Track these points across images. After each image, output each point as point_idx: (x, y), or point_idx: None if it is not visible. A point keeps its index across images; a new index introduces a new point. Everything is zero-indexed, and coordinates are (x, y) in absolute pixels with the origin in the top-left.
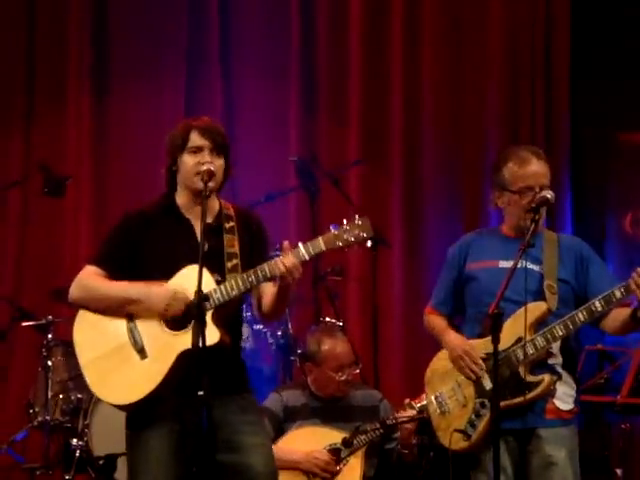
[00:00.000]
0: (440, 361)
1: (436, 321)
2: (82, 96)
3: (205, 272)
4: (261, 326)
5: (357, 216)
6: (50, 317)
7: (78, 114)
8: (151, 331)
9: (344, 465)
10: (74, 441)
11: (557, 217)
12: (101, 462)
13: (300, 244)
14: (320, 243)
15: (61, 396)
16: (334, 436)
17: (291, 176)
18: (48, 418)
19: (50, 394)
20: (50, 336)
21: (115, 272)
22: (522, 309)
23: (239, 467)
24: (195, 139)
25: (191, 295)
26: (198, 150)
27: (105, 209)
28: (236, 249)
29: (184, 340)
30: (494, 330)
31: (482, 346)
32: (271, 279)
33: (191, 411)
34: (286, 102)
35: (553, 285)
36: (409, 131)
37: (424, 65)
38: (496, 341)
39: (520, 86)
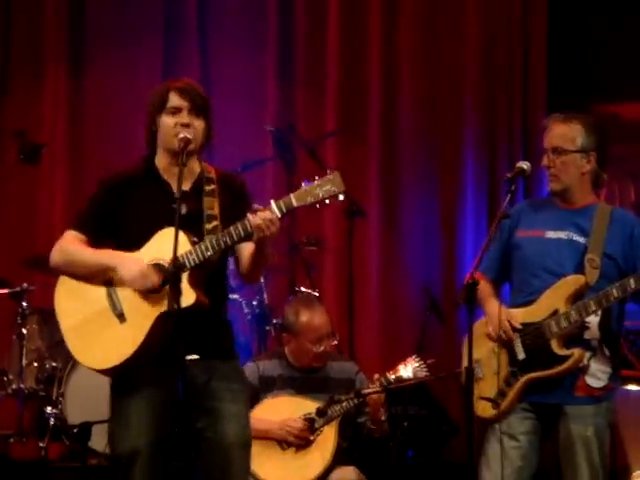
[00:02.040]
0: (481, 326)
1: (481, 286)
2: (59, 64)
3: (181, 233)
4: (236, 296)
5: (328, 171)
6: (25, 285)
7: (55, 82)
8: (130, 295)
9: (318, 435)
10: (48, 409)
11: (535, 190)
12: (75, 430)
13: (272, 201)
14: (291, 199)
15: (35, 364)
16: (309, 406)
17: (268, 146)
18: (22, 386)
19: (25, 362)
20: (25, 304)
21: (95, 237)
22: (560, 281)
23: (214, 434)
24: (174, 99)
25: (165, 260)
26: (177, 110)
27: (80, 177)
28: (216, 211)
29: (160, 303)
30: (469, 301)
31: (521, 315)
32: (247, 237)
33: (171, 376)
34: (263, 72)
35: (595, 259)
36: (386, 101)
37: (402, 34)
38: (471, 313)
39: (497, 63)
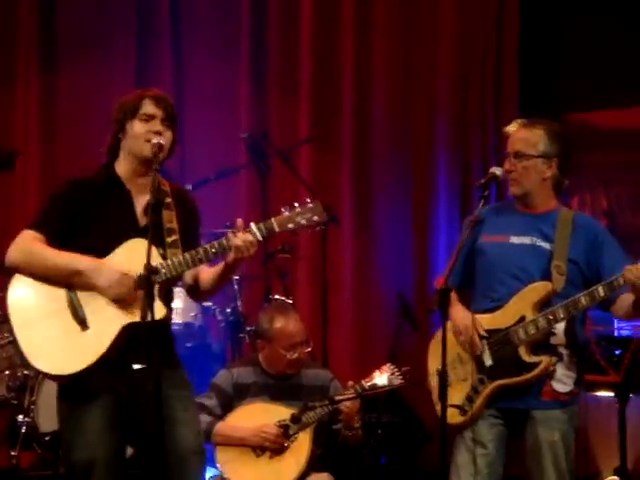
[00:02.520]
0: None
1: None
2: (30, 70)
3: (152, 248)
4: (210, 303)
5: (308, 200)
6: None
7: (26, 89)
8: (94, 302)
9: (292, 441)
10: (20, 417)
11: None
12: (47, 438)
13: (252, 224)
14: (273, 224)
15: (7, 372)
16: (283, 412)
17: (242, 153)
18: None
19: None
20: None
21: (54, 239)
22: (527, 288)
23: (167, 441)
24: (148, 107)
25: (136, 270)
26: (150, 118)
27: (53, 184)
28: (174, 225)
29: (128, 313)
30: (442, 306)
31: (487, 321)
32: (220, 256)
33: (126, 384)
34: (236, 78)
35: (561, 265)
36: (360, 109)
37: (375, 43)
38: (445, 317)
39: (470, 66)
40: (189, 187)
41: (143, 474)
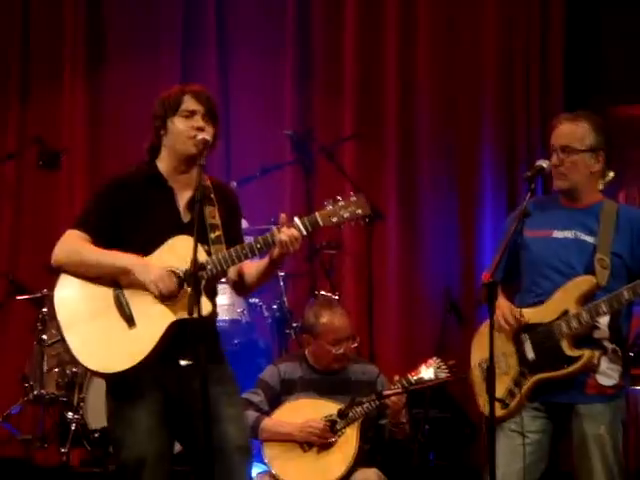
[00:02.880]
0: (489, 326)
1: None
2: (77, 69)
3: (198, 245)
4: (257, 299)
5: (352, 193)
6: (45, 291)
7: (73, 87)
8: (140, 300)
9: (339, 437)
10: (69, 414)
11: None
12: (96, 435)
13: (296, 218)
14: (317, 218)
15: (56, 370)
16: (330, 408)
17: (286, 150)
18: (43, 392)
19: (45, 368)
20: (45, 310)
21: (99, 238)
22: (570, 282)
23: (216, 438)
24: (189, 103)
25: (181, 267)
26: (191, 114)
27: (99, 182)
28: (217, 220)
29: (175, 309)
30: (490, 300)
31: (531, 315)
32: (265, 251)
33: (174, 380)
34: (281, 76)
35: (605, 259)
36: (404, 105)
37: (419, 40)
38: (492, 311)
39: (514, 60)
40: (234, 184)
41: (191, 471)
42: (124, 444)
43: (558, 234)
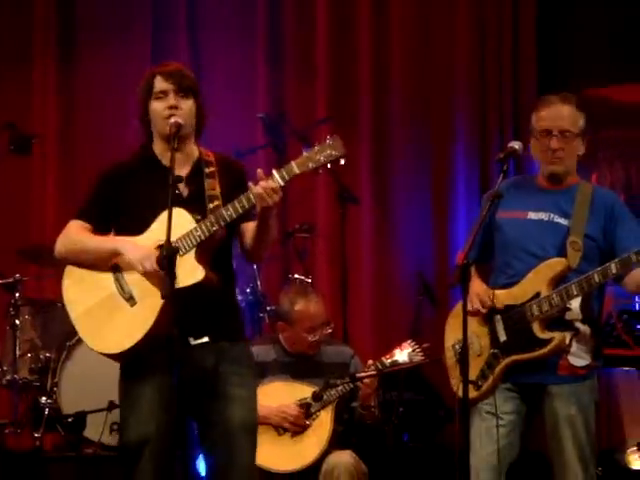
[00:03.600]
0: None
1: None
2: (47, 53)
3: (184, 213)
4: None
5: (328, 136)
6: (18, 276)
7: (44, 73)
8: (137, 279)
9: (314, 420)
10: (43, 399)
11: (526, 170)
12: (70, 420)
13: (274, 170)
14: (293, 167)
15: (29, 355)
16: (304, 391)
17: (259, 133)
18: (16, 377)
19: (18, 353)
20: (17, 295)
21: (99, 225)
22: (542, 264)
23: (220, 418)
24: (159, 84)
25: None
26: (164, 94)
27: (72, 167)
28: (217, 192)
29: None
30: (462, 281)
31: (503, 297)
32: (250, 209)
33: (185, 360)
34: (253, 58)
35: (577, 241)
36: (377, 88)
37: (392, 19)
38: (465, 293)
39: (487, 41)
40: None
41: (185, 453)
42: (127, 425)
43: (532, 215)
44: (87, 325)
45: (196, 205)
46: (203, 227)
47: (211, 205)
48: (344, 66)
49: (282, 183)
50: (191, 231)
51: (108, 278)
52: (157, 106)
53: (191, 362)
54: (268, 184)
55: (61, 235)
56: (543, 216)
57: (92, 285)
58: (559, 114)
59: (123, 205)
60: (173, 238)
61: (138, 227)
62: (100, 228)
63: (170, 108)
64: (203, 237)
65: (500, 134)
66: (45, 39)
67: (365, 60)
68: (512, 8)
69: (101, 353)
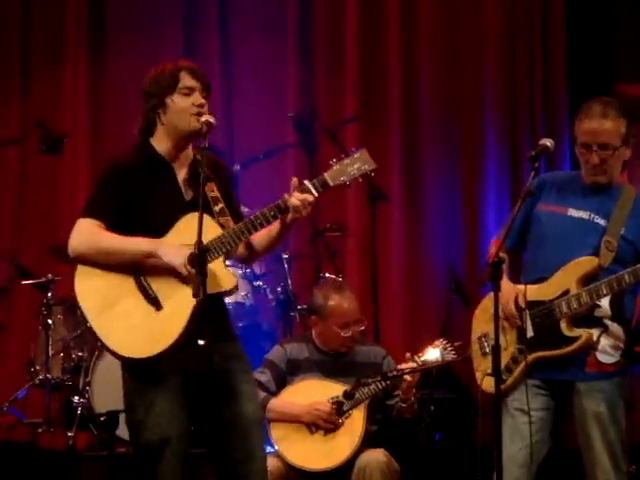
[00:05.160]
0: (490, 300)
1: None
2: (79, 54)
3: (209, 218)
4: (260, 282)
5: (354, 149)
6: (50, 275)
7: (75, 73)
8: (164, 282)
9: (346, 418)
10: (75, 399)
11: (556, 167)
12: (102, 419)
13: (306, 182)
14: (326, 179)
15: (62, 354)
16: (336, 389)
17: (289, 132)
18: (49, 376)
19: (51, 352)
20: (50, 294)
21: (111, 223)
22: (573, 262)
23: (233, 414)
24: (186, 80)
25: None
26: (190, 91)
27: (102, 166)
28: (217, 193)
29: None
30: (494, 278)
31: (533, 292)
32: (278, 218)
33: (193, 360)
34: (283, 58)
35: (612, 242)
36: (407, 86)
37: (421, 17)
38: (497, 290)
39: (517, 37)
40: (237, 167)
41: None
42: (146, 426)
43: (573, 213)
44: (109, 327)
45: (202, 208)
46: (233, 235)
47: (216, 208)
48: (374, 65)
49: (316, 195)
50: (220, 237)
51: (128, 279)
52: (183, 102)
53: (199, 362)
54: (306, 197)
55: (76, 233)
56: (584, 215)
57: (110, 285)
58: (599, 129)
59: (134, 205)
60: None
61: (150, 228)
62: (113, 227)
63: (199, 106)
64: (234, 244)
65: (531, 132)
66: (76, 39)
67: (394, 60)
68: (542, 4)
69: (128, 359)
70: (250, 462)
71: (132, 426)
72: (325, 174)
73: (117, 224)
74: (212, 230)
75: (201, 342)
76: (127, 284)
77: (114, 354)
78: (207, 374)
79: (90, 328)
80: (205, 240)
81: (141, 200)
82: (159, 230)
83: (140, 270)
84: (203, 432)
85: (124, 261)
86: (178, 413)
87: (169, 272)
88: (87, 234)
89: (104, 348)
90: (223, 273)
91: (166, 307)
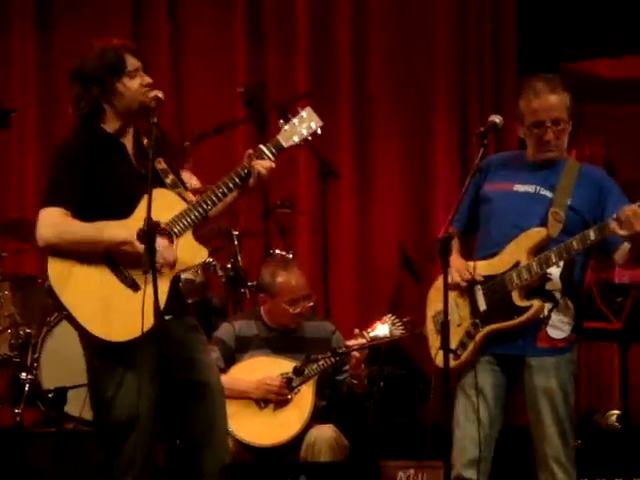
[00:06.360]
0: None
1: None
2: (26, 28)
3: (169, 193)
4: (210, 259)
5: (299, 109)
6: None
7: (22, 46)
8: (136, 263)
9: (295, 394)
10: (23, 375)
11: (506, 144)
12: (50, 395)
13: (262, 146)
14: (280, 141)
15: (9, 331)
16: (286, 365)
17: (239, 108)
18: None
19: None
20: None
21: (78, 209)
22: (522, 234)
23: (197, 385)
24: (132, 61)
25: (166, 220)
26: (136, 72)
27: (51, 142)
28: (164, 164)
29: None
30: (444, 253)
31: (484, 268)
32: (239, 185)
33: (163, 337)
34: (233, 33)
35: (559, 212)
36: (357, 61)
37: None
38: (445, 265)
39: (468, 14)
40: (188, 144)
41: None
42: (115, 404)
43: (519, 188)
44: (98, 320)
45: (156, 181)
46: (199, 208)
47: (168, 180)
48: (324, 41)
49: (272, 158)
50: (185, 211)
51: (101, 266)
52: (133, 83)
53: (167, 337)
54: (268, 163)
55: (44, 225)
56: (529, 189)
57: (85, 273)
58: (549, 104)
59: (95, 186)
60: (166, 219)
61: (116, 209)
62: (79, 214)
63: (147, 85)
64: (200, 217)
65: (480, 107)
66: (23, 14)
67: (345, 35)
68: None
69: (117, 342)
70: (213, 433)
71: (100, 404)
72: (277, 136)
73: (81, 209)
74: (176, 205)
75: (167, 317)
76: (101, 270)
77: (98, 340)
78: (172, 346)
79: (68, 316)
80: (169, 216)
81: (100, 182)
82: (123, 210)
83: (111, 255)
84: (163, 406)
85: (96, 249)
86: (147, 390)
87: (139, 255)
88: (56, 224)
89: (86, 335)
90: (194, 246)
91: (143, 286)
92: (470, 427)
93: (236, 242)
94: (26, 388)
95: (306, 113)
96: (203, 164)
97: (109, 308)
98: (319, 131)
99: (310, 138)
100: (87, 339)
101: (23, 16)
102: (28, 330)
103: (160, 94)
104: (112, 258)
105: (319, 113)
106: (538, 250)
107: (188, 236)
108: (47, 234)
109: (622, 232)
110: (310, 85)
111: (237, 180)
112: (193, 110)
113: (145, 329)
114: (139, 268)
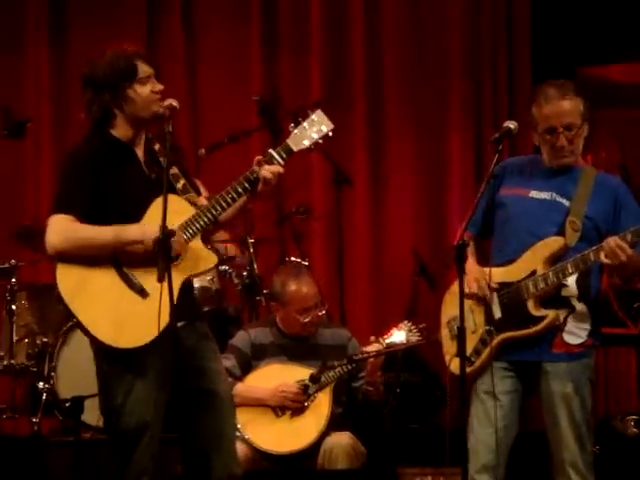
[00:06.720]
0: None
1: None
2: (40, 39)
3: (179, 199)
4: (226, 267)
5: (309, 112)
6: (13, 261)
7: (37, 57)
8: (144, 270)
9: (312, 401)
10: (40, 384)
11: (521, 149)
12: (67, 405)
13: (271, 150)
14: (290, 145)
15: (26, 340)
16: (302, 373)
17: (254, 116)
18: (13, 362)
19: (15, 338)
20: (14, 280)
21: (85, 215)
22: (539, 243)
23: (207, 393)
24: (144, 68)
25: (178, 222)
26: (148, 78)
27: (66, 151)
28: (175, 169)
29: (179, 271)
30: (458, 261)
31: (500, 275)
32: (248, 190)
33: (171, 342)
34: (248, 41)
35: (576, 221)
36: (372, 68)
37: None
38: (461, 272)
39: (481, 18)
40: (202, 152)
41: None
42: (124, 411)
43: (535, 194)
44: (109, 327)
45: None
46: (208, 213)
47: (179, 185)
48: (339, 47)
49: (282, 163)
50: (194, 217)
51: (109, 271)
52: (145, 90)
53: (178, 344)
54: (275, 168)
55: (52, 231)
56: (546, 196)
57: (94, 280)
58: (561, 110)
59: (104, 192)
60: (175, 225)
61: (126, 215)
62: (86, 219)
63: (159, 92)
64: (210, 223)
65: (494, 113)
66: (38, 23)
67: (359, 41)
68: None
69: (120, 348)
70: (222, 440)
71: (110, 411)
72: (287, 140)
73: (90, 214)
74: (185, 211)
75: (180, 324)
76: (110, 276)
77: (106, 346)
78: (184, 354)
79: (78, 323)
80: (178, 221)
81: (110, 187)
82: (133, 215)
83: (120, 260)
84: (175, 413)
85: (104, 252)
86: (156, 397)
87: (147, 259)
88: (64, 230)
89: (95, 341)
90: (204, 252)
91: (152, 293)
92: (483, 432)
93: (252, 249)
94: (43, 397)
95: (317, 116)
96: (218, 172)
97: (118, 315)
98: (330, 134)
99: (321, 141)
100: (96, 345)
101: (37, 26)
102: (45, 339)
103: (175, 103)
104: (119, 262)
105: (332, 118)
106: (555, 259)
107: (197, 242)
108: (55, 241)
109: (606, 261)
110: (325, 92)
111: (246, 185)
112: (208, 117)
113: (153, 336)
114: (146, 268)
